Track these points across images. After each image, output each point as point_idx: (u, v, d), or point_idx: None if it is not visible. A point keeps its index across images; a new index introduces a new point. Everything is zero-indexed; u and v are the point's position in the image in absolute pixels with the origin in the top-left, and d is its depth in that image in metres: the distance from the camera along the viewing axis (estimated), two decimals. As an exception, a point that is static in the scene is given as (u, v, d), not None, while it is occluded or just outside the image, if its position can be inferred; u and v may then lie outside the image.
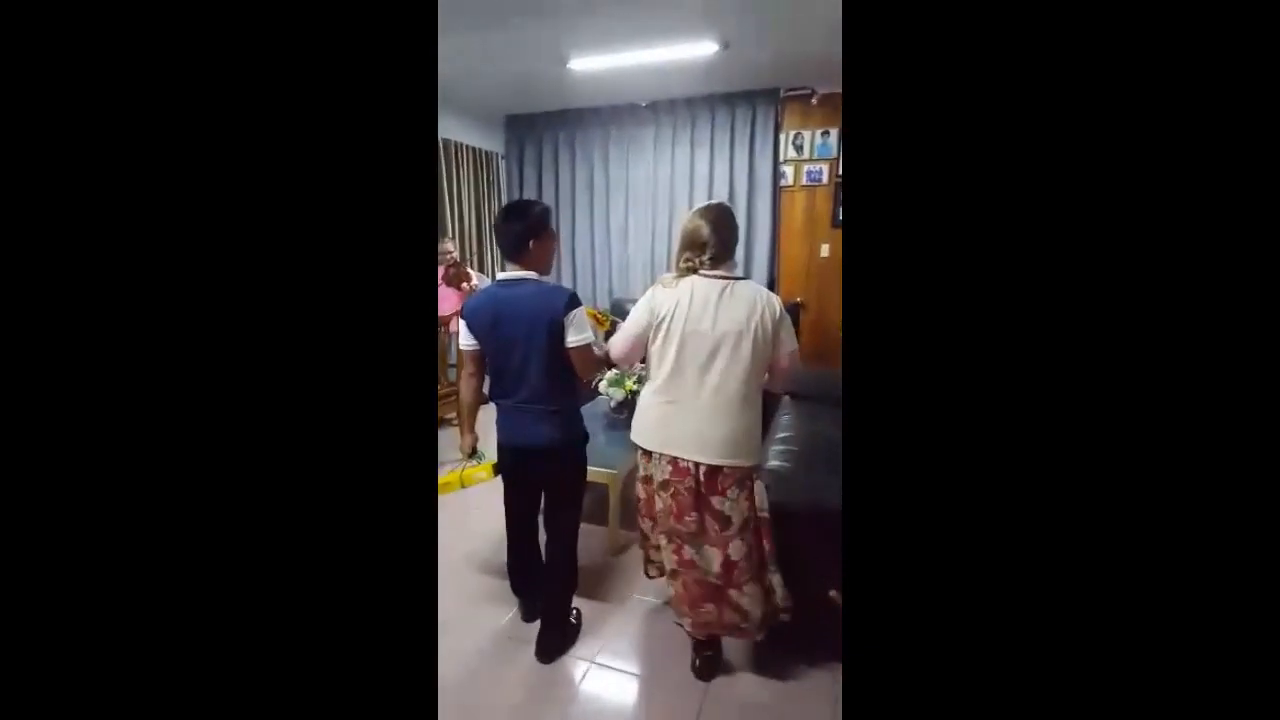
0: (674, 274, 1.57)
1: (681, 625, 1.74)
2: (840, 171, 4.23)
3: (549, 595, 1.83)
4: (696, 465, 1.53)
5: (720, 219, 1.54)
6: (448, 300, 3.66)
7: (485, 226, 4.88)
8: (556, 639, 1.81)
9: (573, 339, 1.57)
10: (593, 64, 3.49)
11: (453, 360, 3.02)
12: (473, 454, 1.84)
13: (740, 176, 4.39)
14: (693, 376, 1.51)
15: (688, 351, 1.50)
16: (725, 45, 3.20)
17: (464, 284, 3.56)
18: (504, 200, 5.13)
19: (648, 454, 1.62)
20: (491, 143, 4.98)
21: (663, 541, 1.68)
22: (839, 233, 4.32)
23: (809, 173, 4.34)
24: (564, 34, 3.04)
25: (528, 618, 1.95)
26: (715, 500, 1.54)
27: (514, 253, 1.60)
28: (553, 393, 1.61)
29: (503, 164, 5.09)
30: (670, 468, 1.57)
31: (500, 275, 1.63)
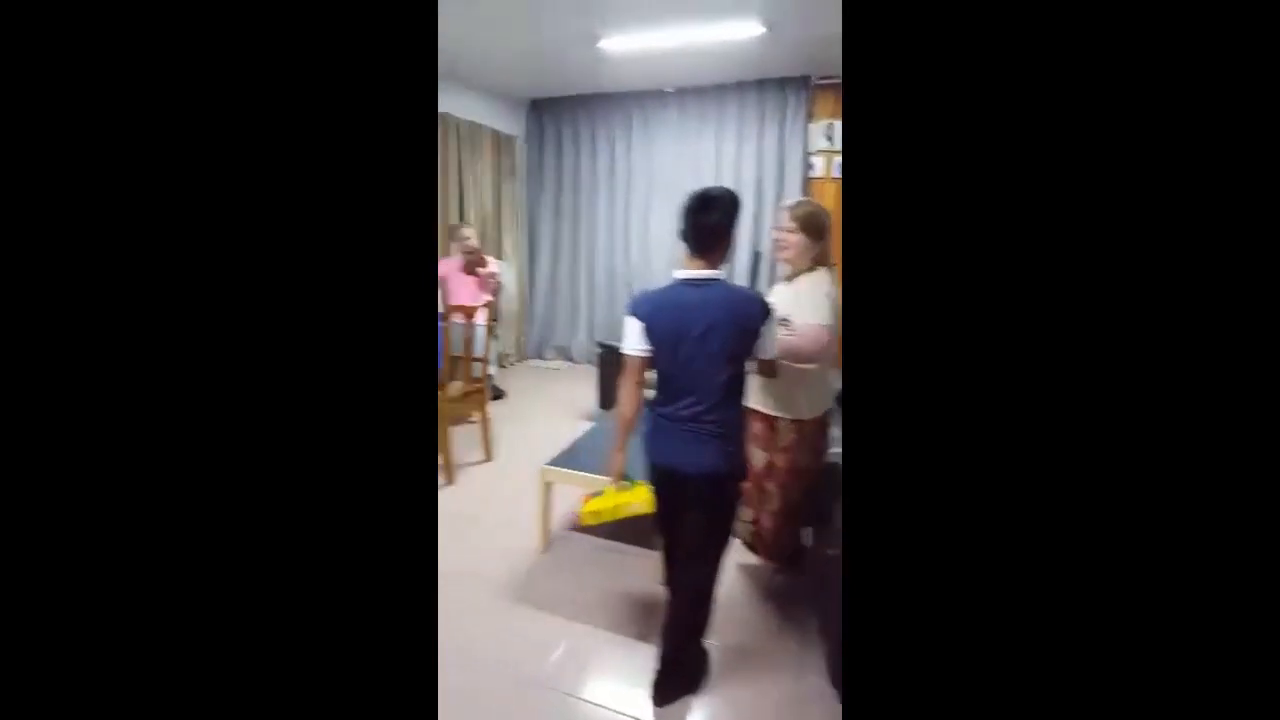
0: (830, 269, 1.79)
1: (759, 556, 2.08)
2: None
3: (674, 642, 1.56)
4: (804, 421, 1.82)
5: None
6: (466, 288, 3.50)
7: (503, 212, 4.72)
8: (677, 680, 1.58)
9: (770, 352, 1.45)
10: (625, 44, 3.32)
11: (479, 353, 2.88)
12: (622, 477, 1.56)
13: (769, 166, 4.25)
14: None
15: None
16: (769, 27, 3.04)
17: (480, 269, 3.42)
18: (522, 186, 4.96)
19: (797, 424, 1.83)
20: (510, 125, 4.81)
21: (774, 488, 1.95)
22: (871, 228, 4.18)
23: (840, 164, 4.18)
24: (598, 10, 2.88)
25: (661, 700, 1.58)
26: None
27: (707, 249, 1.39)
28: (724, 410, 1.40)
29: (521, 148, 4.92)
30: (795, 433, 1.85)
31: (684, 274, 1.40)
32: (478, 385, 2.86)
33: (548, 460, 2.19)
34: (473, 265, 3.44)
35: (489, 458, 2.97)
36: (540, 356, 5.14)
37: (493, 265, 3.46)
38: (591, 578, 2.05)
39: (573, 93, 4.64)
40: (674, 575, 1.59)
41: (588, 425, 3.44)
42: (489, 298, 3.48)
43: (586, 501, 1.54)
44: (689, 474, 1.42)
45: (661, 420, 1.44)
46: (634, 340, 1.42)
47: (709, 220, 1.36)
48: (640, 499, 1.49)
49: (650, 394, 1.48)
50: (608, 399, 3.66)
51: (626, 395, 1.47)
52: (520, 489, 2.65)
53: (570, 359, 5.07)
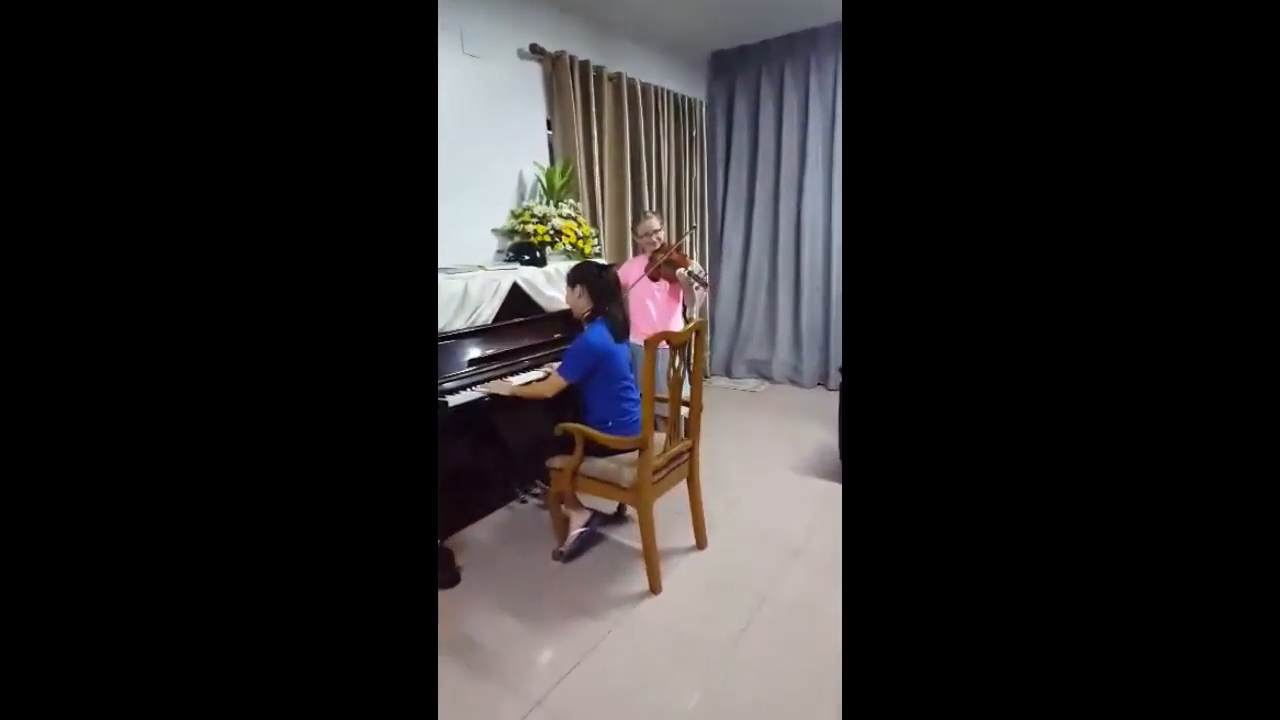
0: None
1: None
2: None
3: None
4: None
5: None
6: (658, 301, 2.61)
7: (685, 193, 3.82)
8: None
9: None
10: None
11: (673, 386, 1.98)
12: None
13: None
14: None
15: None
16: None
17: (681, 270, 2.48)
18: (706, 158, 4.01)
19: None
20: (691, 86, 3.88)
21: None
22: None
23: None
24: None
25: None
26: None
27: None
28: None
29: (703, 113, 3.97)
30: None
31: None
32: (688, 444, 1.94)
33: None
34: (671, 265, 2.53)
35: (701, 544, 2.05)
36: (728, 373, 4.17)
37: (694, 264, 2.53)
38: None
39: (774, 33, 3.58)
40: None
41: (827, 486, 2.44)
42: (695, 317, 2.56)
43: None
44: None
45: None
46: None
47: None
48: None
49: None
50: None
51: None
52: (755, 609, 1.69)
53: (768, 378, 4.04)
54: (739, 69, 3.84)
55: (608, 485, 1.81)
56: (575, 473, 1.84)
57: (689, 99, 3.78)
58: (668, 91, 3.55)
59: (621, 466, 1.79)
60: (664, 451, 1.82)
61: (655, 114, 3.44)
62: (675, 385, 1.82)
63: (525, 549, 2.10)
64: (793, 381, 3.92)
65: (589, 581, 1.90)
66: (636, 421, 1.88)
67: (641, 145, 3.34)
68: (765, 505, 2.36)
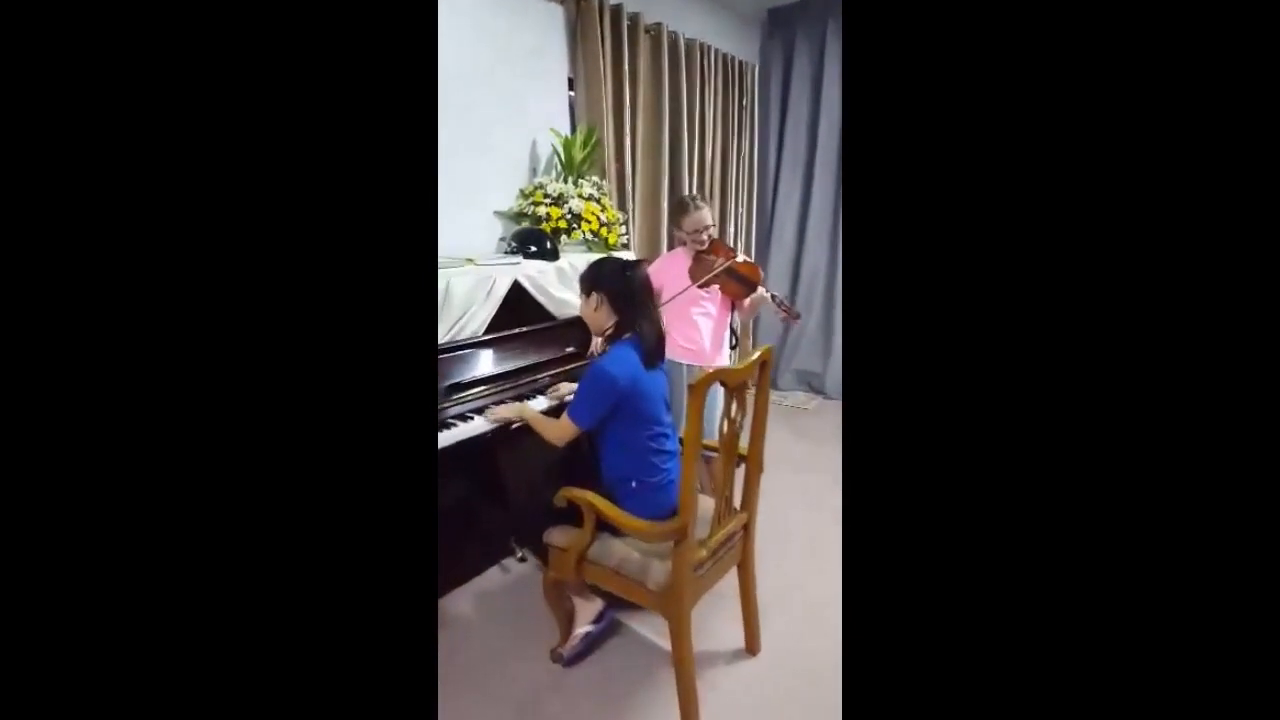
0: None
1: None
2: None
3: None
4: None
5: None
6: (707, 313, 2.01)
7: (732, 171, 3.23)
8: None
9: None
10: None
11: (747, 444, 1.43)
12: None
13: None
14: None
15: None
16: None
17: (761, 291, 1.87)
18: (758, 131, 3.41)
19: None
20: (744, 48, 3.28)
21: None
22: None
23: None
24: None
25: None
26: None
27: None
28: None
29: (755, 79, 3.37)
30: None
31: None
32: (743, 519, 1.40)
33: None
34: (731, 283, 1.91)
35: (753, 649, 1.52)
36: (773, 385, 3.58)
37: (761, 288, 1.91)
38: None
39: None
40: None
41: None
42: (739, 331, 1.97)
43: None
44: None
45: None
46: None
47: None
48: None
49: None
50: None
51: None
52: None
53: (820, 392, 3.45)
54: (799, 27, 3.22)
55: (628, 583, 1.27)
56: (582, 558, 1.31)
57: (740, 62, 3.17)
58: (716, 51, 2.96)
59: (649, 557, 1.26)
60: (711, 536, 1.28)
61: (701, 76, 2.86)
62: (730, 440, 1.27)
63: (516, 635, 1.59)
64: (851, 399, 3.33)
65: (598, 705, 1.38)
66: (672, 484, 1.34)
67: (683, 112, 2.76)
68: (834, 585, 1.81)
